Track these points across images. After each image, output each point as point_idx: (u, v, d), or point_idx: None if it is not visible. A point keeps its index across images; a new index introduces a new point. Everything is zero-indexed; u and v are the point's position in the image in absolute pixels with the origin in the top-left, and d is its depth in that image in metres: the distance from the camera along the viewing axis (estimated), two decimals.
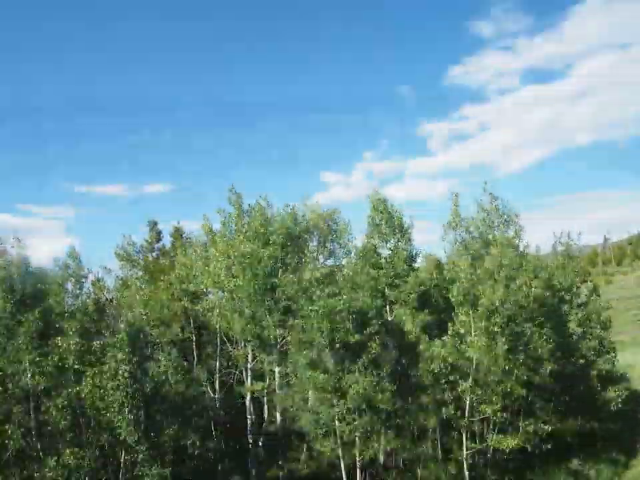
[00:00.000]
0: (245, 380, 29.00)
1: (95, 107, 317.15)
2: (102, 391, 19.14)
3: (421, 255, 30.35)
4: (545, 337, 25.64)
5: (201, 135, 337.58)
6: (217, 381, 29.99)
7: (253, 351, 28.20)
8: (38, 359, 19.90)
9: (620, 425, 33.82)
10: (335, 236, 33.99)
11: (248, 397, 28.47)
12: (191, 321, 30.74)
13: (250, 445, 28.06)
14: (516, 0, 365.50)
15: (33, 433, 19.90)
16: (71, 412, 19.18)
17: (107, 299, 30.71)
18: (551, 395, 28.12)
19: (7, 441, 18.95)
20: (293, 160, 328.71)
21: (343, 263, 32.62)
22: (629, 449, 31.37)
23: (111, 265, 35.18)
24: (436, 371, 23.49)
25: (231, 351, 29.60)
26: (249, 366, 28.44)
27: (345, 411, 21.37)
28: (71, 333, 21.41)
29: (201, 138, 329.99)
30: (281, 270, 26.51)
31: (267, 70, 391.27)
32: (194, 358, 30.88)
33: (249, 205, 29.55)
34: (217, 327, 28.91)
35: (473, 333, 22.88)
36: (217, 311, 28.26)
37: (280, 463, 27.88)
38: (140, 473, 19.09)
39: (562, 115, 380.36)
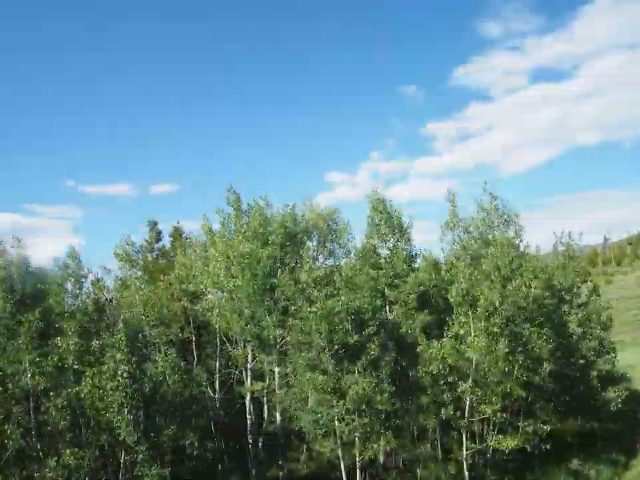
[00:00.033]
0: (244, 380, 29.01)
1: (98, 104, 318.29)
2: (101, 391, 19.14)
3: (420, 255, 30.36)
4: (544, 337, 25.61)
5: (206, 134, 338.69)
6: (217, 381, 30.01)
7: (252, 351, 28.21)
8: (38, 359, 19.91)
9: (620, 425, 33.81)
10: (334, 236, 34.02)
11: (248, 397, 28.47)
12: (191, 321, 30.76)
13: (250, 445, 28.07)
14: (525, 0, 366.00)
15: (33, 433, 19.91)
16: (70, 412, 19.19)
17: (106, 299, 30.70)
18: (550, 395, 28.09)
19: (6, 441, 18.95)
20: (298, 160, 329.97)
21: (342, 263, 32.61)
22: (629, 449, 31.34)
23: (111, 265, 35.25)
24: (435, 372, 23.47)
25: (230, 351, 29.61)
26: (248, 366, 28.44)
27: (344, 412, 21.36)
28: (70, 333, 21.42)
29: (206, 138, 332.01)
30: (280, 270, 26.50)
31: (271, 70, 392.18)
32: (194, 358, 30.89)
33: (248, 204, 29.57)
34: (217, 327, 28.92)
35: (472, 334, 22.86)
36: (217, 311, 28.26)
37: (280, 463, 27.89)
38: (139, 473, 19.11)
39: (569, 114, 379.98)
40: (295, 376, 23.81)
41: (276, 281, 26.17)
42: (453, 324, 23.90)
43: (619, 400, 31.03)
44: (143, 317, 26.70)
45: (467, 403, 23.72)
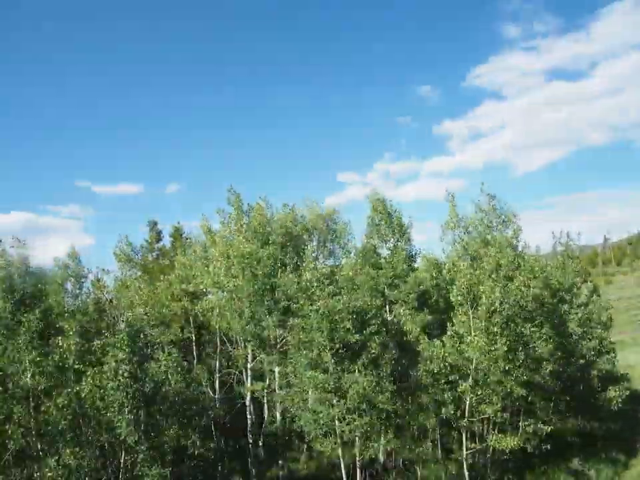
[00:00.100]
0: (244, 380, 29.00)
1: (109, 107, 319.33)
2: (102, 390, 19.11)
3: (419, 255, 30.43)
4: (544, 337, 25.64)
5: (215, 135, 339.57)
6: (217, 381, 30.03)
7: (252, 351, 28.20)
8: (38, 359, 19.88)
9: (620, 424, 33.88)
10: (334, 236, 34.05)
11: (248, 397, 28.46)
12: (191, 320, 30.78)
13: (250, 445, 28.06)
14: (542, 1, 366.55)
15: (33, 432, 19.87)
16: (71, 412, 19.13)
17: (106, 299, 30.72)
18: (551, 395, 28.14)
19: (7, 441, 18.93)
20: (312, 160, 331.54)
21: (343, 262, 32.64)
22: (629, 449, 31.37)
23: (113, 265, 35.34)
24: (436, 371, 23.48)
25: (230, 351, 29.62)
26: (248, 366, 28.43)
27: (344, 411, 21.34)
28: (71, 332, 21.42)
29: (218, 139, 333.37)
30: (280, 270, 26.50)
31: (287, 72, 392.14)
32: (194, 358, 30.92)
33: (248, 204, 29.59)
34: (217, 327, 28.91)
35: (472, 333, 22.86)
36: (217, 310, 28.25)
37: (280, 463, 27.89)
38: (140, 473, 19.05)
39: (580, 114, 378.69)
40: (295, 375, 23.80)
41: (276, 280, 26.17)
42: (453, 325, 23.89)
43: (619, 400, 31.07)
44: (143, 317, 26.69)
45: (467, 402, 23.72)
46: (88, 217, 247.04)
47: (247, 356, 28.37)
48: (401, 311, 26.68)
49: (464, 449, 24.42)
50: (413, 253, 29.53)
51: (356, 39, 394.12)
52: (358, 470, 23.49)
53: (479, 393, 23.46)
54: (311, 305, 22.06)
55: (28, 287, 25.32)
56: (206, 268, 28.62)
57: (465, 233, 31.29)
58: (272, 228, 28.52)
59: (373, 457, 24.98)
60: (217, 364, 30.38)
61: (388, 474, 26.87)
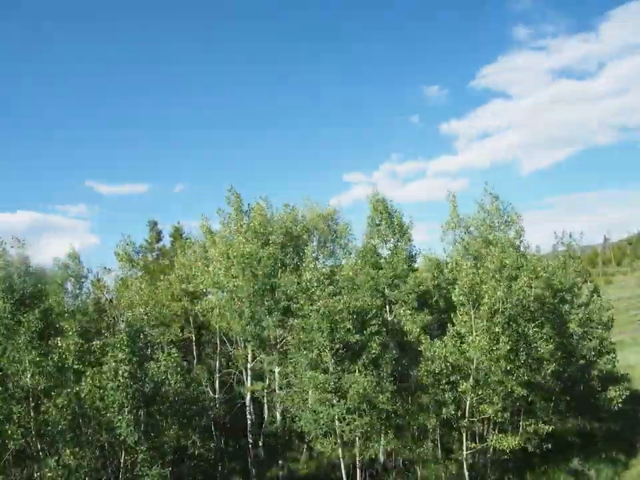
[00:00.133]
0: (244, 380, 28.99)
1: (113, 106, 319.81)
2: (102, 391, 19.09)
3: (419, 254, 30.42)
4: (545, 337, 25.62)
5: (225, 136, 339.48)
6: (217, 381, 30.03)
7: (252, 351, 28.18)
8: (38, 359, 19.84)
9: (620, 424, 33.88)
10: (335, 236, 34.03)
11: (248, 397, 28.45)
12: (191, 320, 30.78)
13: (250, 445, 28.05)
14: (553, 2, 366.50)
15: (33, 432, 19.84)
16: (71, 412, 19.10)
17: (106, 299, 30.71)
18: (551, 395, 28.13)
19: (6, 441, 18.89)
20: (319, 160, 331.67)
21: (343, 262, 32.63)
22: (629, 449, 31.36)
23: (113, 265, 35.25)
24: (436, 371, 23.46)
25: (230, 351, 29.61)
26: (248, 366, 28.42)
27: (345, 411, 21.32)
28: (70, 333, 21.39)
29: (224, 139, 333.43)
30: (280, 270, 26.49)
31: (291, 71, 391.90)
32: (194, 358, 30.92)
33: (248, 204, 29.59)
34: (217, 327, 28.90)
35: (474, 333, 22.83)
36: (217, 311, 28.24)
37: (280, 463, 27.88)
38: (140, 473, 19.02)
39: (588, 114, 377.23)
40: (295, 375, 23.78)
41: (276, 280, 26.16)
42: (454, 325, 23.87)
43: (620, 400, 31.07)
44: (144, 317, 26.67)
45: (468, 402, 23.70)
46: (95, 216, 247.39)
47: (246, 356, 28.36)
48: (401, 311, 26.66)
49: (464, 448, 24.40)
50: (413, 253, 29.54)
51: (361, 39, 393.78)
52: (358, 470, 23.48)
53: (479, 393, 23.45)
54: (311, 305, 22.04)
55: (28, 287, 25.28)
56: (206, 268, 28.61)
57: (465, 233, 31.30)
58: (272, 228, 28.51)
59: (373, 457, 24.96)
60: (217, 364, 30.38)
61: (388, 474, 26.86)
